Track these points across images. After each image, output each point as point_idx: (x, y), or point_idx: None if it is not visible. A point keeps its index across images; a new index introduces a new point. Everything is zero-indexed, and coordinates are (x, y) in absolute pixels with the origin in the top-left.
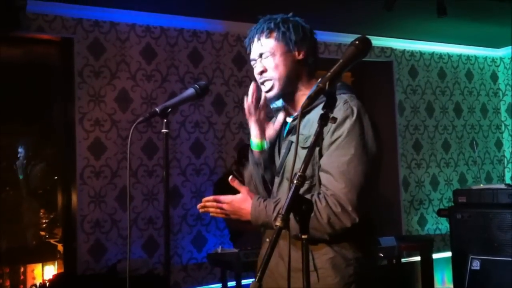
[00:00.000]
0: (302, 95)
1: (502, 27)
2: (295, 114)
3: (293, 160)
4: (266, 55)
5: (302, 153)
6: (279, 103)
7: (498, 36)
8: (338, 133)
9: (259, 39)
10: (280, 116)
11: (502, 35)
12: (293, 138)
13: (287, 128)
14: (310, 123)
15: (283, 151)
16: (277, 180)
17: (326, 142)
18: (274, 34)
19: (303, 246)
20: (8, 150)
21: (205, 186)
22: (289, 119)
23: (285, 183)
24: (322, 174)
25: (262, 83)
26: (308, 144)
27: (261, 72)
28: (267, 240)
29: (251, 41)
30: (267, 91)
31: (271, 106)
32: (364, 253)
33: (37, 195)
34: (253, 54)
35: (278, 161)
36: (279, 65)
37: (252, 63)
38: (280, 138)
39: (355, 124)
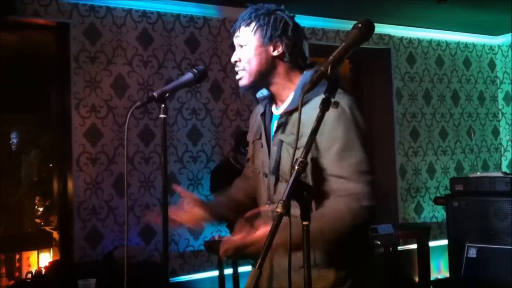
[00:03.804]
0: (282, 88)
1: (501, 14)
2: (282, 109)
3: (291, 160)
4: (241, 45)
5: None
6: (265, 92)
7: (497, 24)
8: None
9: (239, 27)
10: (260, 108)
11: (500, 22)
12: (282, 136)
13: (273, 120)
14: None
15: (274, 148)
16: (271, 178)
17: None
18: (252, 25)
19: (303, 233)
20: (3, 137)
21: (202, 174)
22: (276, 111)
23: (284, 184)
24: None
25: (236, 71)
26: (299, 144)
27: (236, 61)
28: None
29: (235, 28)
30: (239, 80)
31: (257, 96)
32: (360, 247)
33: (32, 183)
34: (234, 41)
35: (268, 156)
36: (251, 59)
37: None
38: (267, 130)
39: (333, 123)
